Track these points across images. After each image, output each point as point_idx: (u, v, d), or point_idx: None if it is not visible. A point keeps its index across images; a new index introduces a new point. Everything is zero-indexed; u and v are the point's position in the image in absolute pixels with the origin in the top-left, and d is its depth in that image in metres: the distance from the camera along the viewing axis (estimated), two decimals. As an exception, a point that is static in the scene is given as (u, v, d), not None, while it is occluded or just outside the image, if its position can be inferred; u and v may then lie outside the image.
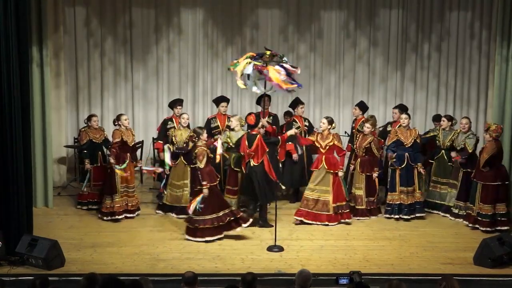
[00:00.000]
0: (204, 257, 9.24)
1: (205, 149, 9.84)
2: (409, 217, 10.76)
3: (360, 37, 13.65)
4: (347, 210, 10.67)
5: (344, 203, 10.64)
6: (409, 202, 10.79)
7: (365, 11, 13.55)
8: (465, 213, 10.64)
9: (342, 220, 10.60)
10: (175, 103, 11.63)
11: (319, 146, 10.59)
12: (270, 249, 9.51)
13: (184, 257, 9.24)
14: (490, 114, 12.61)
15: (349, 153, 11.75)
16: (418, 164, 10.75)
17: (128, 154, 10.66)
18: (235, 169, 10.80)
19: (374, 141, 10.90)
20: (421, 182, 10.89)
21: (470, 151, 10.63)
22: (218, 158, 10.13)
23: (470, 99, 13.69)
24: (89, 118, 11.29)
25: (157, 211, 11.10)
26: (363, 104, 12.19)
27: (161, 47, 13.59)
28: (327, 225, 10.50)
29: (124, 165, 10.53)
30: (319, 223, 10.50)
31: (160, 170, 10.90)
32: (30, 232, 9.21)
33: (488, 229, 10.13)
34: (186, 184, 10.85)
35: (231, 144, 10.81)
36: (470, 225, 10.36)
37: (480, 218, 10.25)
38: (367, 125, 10.95)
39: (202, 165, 9.74)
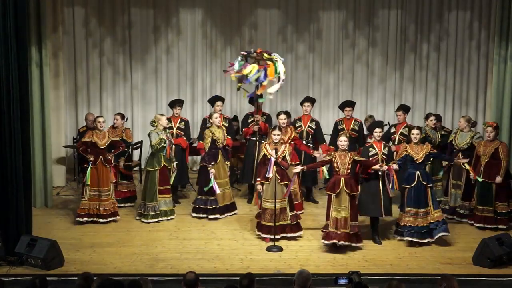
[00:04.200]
0: (203, 257, 9.23)
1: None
2: (421, 241, 9.66)
3: (359, 38, 13.67)
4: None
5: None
6: (421, 224, 9.67)
7: (364, 11, 13.56)
8: (467, 213, 10.66)
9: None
10: (174, 104, 11.63)
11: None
12: (269, 249, 9.51)
13: (183, 257, 9.23)
14: (488, 114, 12.65)
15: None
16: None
17: (101, 156, 10.44)
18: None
19: (355, 155, 9.76)
20: (435, 201, 9.83)
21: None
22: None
23: (469, 99, 13.71)
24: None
25: (193, 214, 10.88)
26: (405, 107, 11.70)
27: (160, 47, 13.61)
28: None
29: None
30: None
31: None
32: (29, 232, 9.21)
33: (505, 226, 10.20)
34: (227, 182, 10.83)
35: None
36: (492, 226, 10.26)
37: (499, 217, 10.28)
38: (343, 138, 9.64)
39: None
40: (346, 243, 9.39)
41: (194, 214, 10.84)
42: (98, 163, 10.42)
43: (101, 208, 10.45)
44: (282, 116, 10.91)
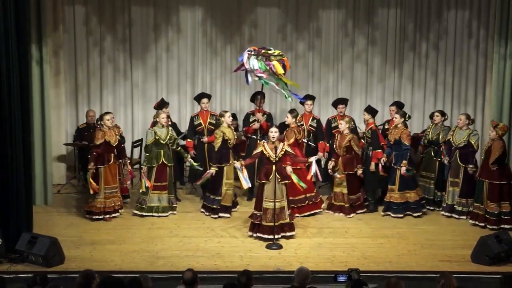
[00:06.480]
0: (203, 254, 9.27)
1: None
2: (402, 216, 10.76)
3: (358, 36, 13.68)
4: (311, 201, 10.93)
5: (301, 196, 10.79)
6: (398, 200, 10.80)
7: (363, 10, 13.58)
8: (467, 210, 10.69)
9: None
10: (165, 105, 11.60)
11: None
12: (269, 246, 9.54)
13: (183, 254, 9.27)
14: (487, 112, 12.66)
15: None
16: (402, 164, 10.59)
17: (112, 154, 10.47)
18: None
19: (353, 139, 10.77)
20: (402, 184, 10.75)
21: (477, 149, 10.71)
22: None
23: (468, 97, 13.72)
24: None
25: (202, 210, 10.97)
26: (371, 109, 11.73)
27: (160, 45, 13.63)
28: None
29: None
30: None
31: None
32: (29, 230, 9.24)
33: (495, 227, 10.15)
34: (230, 183, 10.79)
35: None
36: (482, 224, 10.32)
37: (488, 217, 10.27)
38: (342, 122, 10.91)
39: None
40: (348, 216, 10.78)
41: (202, 210, 10.97)
42: (112, 162, 10.46)
43: (116, 204, 10.61)
44: (288, 115, 11.03)
